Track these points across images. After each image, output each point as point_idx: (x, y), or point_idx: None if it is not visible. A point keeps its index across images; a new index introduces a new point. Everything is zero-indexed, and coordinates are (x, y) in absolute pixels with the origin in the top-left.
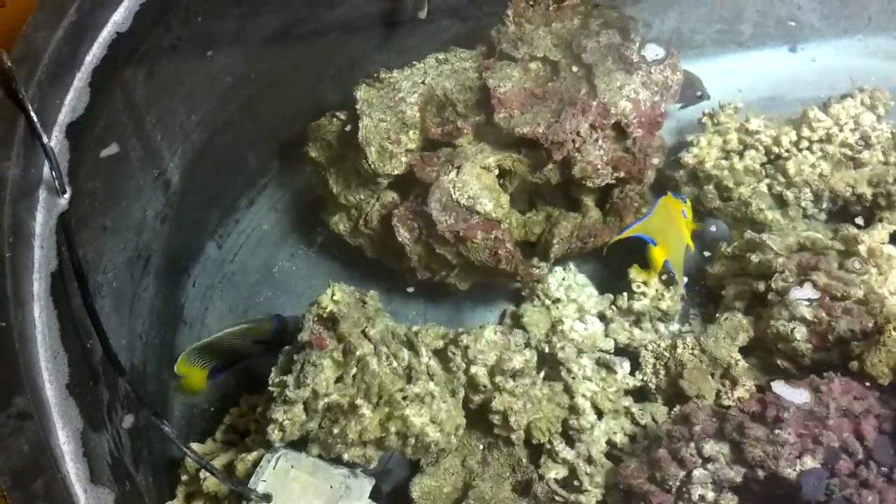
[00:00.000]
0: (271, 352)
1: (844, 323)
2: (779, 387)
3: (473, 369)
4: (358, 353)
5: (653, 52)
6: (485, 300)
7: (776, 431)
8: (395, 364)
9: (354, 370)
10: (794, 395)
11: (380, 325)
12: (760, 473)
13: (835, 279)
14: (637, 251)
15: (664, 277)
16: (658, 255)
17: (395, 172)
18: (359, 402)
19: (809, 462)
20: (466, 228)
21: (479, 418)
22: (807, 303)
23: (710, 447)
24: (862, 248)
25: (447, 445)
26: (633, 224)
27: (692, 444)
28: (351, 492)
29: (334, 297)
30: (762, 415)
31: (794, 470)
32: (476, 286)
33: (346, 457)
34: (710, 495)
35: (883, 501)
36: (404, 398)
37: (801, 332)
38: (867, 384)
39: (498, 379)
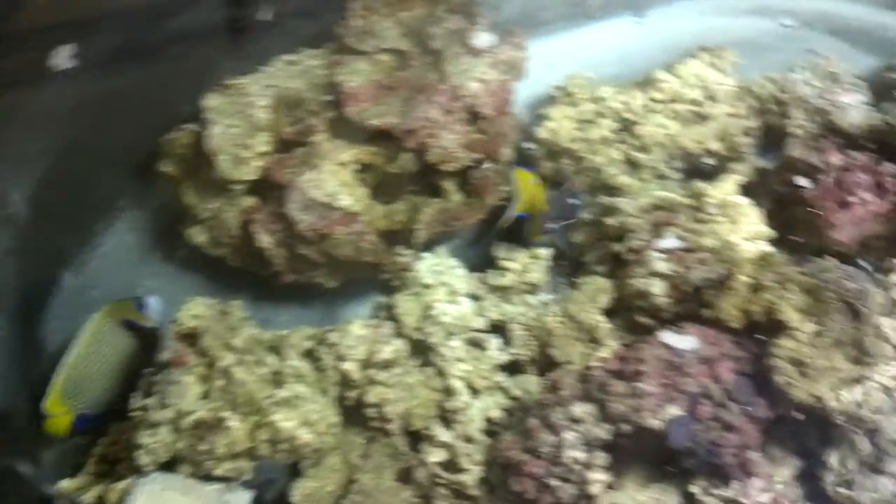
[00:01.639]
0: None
1: (698, 273)
2: (666, 336)
3: (344, 366)
4: (221, 364)
5: (484, 39)
6: (357, 295)
7: (636, 385)
8: (261, 371)
9: (220, 382)
10: (683, 341)
11: (243, 334)
12: (627, 428)
13: (688, 232)
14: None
15: (531, 251)
16: (535, 229)
17: (250, 178)
18: (224, 414)
19: (672, 411)
20: (326, 225)
21: (356, 413)
22: (665, 256)
23: (577, 409)
24: (711, 201)
25: (322, 445)
26: (509, 210)
27: (560, 409)
28: None
29: (193, 313)
30: (622, 371)
31: (659, 420)
32: (346, 282)
33: (218, 472)
34: (582, 456)
35: (745, 439)
36: (272, 404)
37: (658, 287)
38: (721, 330)
39: (370, 372)
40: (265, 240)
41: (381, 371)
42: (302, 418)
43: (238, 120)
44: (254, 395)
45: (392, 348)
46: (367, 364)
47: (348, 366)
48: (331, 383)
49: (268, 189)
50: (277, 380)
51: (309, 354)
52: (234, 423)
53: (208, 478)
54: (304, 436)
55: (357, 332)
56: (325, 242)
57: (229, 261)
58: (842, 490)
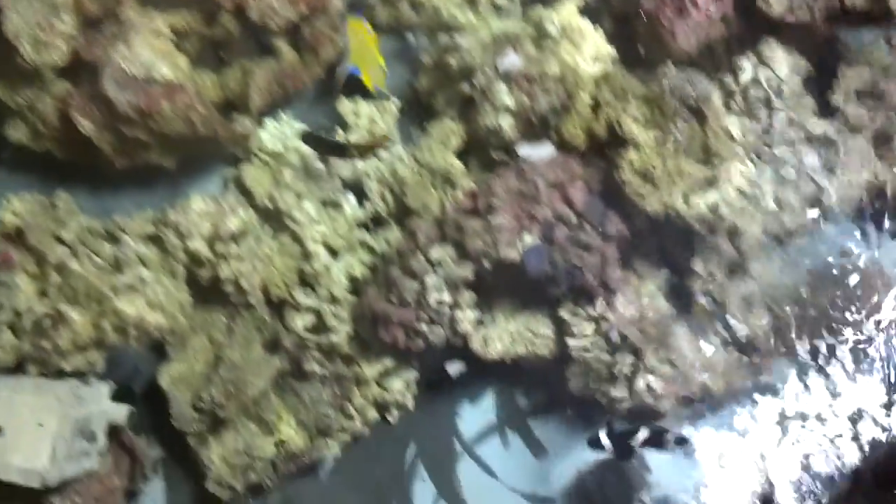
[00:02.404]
0: None
1: (544, 101)
2: (523, 149)
3: (191, 244)
4: (53, 259)
5: None
6: (202, 172)
7: (490, 219)
8: (98, 260)
9: (56, 278)
10: (540, 151)
11: (74, 225)
12: (487, 263)
13: (531, 62)
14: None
15: (377, 103)
16: (367, 81)
17: (58, 60)
18: (63, 308)
19: (528, 240)
20: (148, 101)
21: (213, 292)
22: (509, 88)
23: (435, 252)
24: (552, 28)
25: (176, 326)
26: (344, 66)
27: (420, 254)
28: (84, 400)
29: (14, 210)
30: (475, 208)
31: (516, 251)
32: (189, 160)
33: (67, 367)
34: (447, 297)
35: (603, 256)
36: (113, 291)
37: (506, 121)
38: (569, 153)
39: (219, 247)
40: (87, 126)
41: (231, 244)
42: (148, 301)
43: (36, 2)
44: (93, 286)
45: (238, 219)
46: (214, 239)
47: (195, 243)
48: (179, 264)
49: (81, 71)
50: (118, 267)
51: (152, 238)
52: (75, 315)
53: (60, 374)
54: (153, 318)
55: (199, 207)
56: (151, 120)
57: (57, 154)
58: (708, 296)
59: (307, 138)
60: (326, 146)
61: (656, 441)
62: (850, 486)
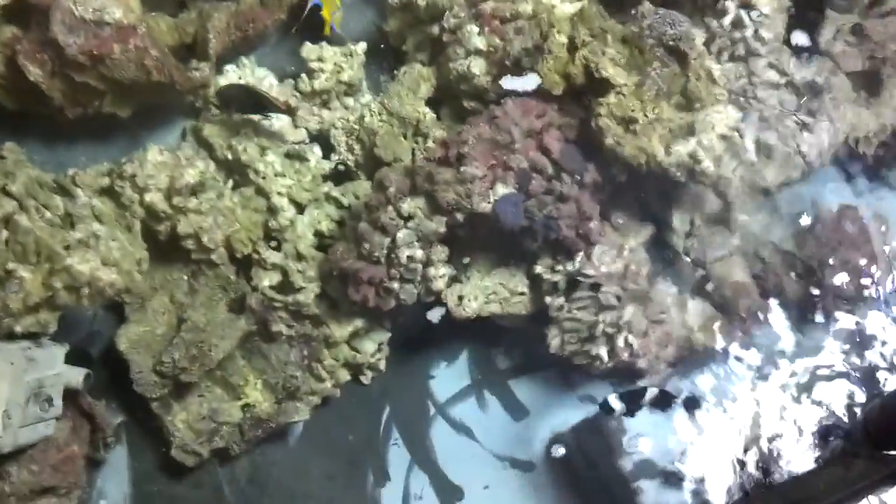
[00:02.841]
0: None
1: (517, 43)
2: (508, 82)
3: (148, 197)
4: (1, 213)
5: None
6: (160, 123)
7: (462, 169)
8: (48, 215)
9: (3, 234)
10: (525, 83)
11: (21, 178)
12: (460, 217)
13: (502, 2)
14: (308, 28)
15: (344, 48)
16: (326, 14)
17: (3, 1)
18: (11, 266)
19: (502, 190)
20: (99, 44)
21: (173, 248)
22: (478, 31)
23: (406, 205)
24: None
25: (132, 284)
26: None
27: (390, 208)
28: (37, 363)
29: None
30: (447, 157)
31: (489, 202)
32: (145, 110)
33: (18, 329)
34: (419, 253)
35: (581, 208)
36: (65, 248)
37: (478, 66)
38: (544, 99)
39: (177, 200)
40: (35, 72)
41: (190, 198)
42: (102, 258)
43: None
44: (43, 242)
45: (195, 171)
46: (172, 192)
47: (152, 196)
48: (136, 218)
49: (28, 14)
50: (70, 222)
51: (107, 192)
52: (25, 273)
53: (11, 336)
54: (108, 276)
55: (155, 158)
56: (103, 65)
57: (6, 104)
58: (690, 249)
59: (225, 93)
60: (246, 101)
61: (664, 402)
62: (844, 442)
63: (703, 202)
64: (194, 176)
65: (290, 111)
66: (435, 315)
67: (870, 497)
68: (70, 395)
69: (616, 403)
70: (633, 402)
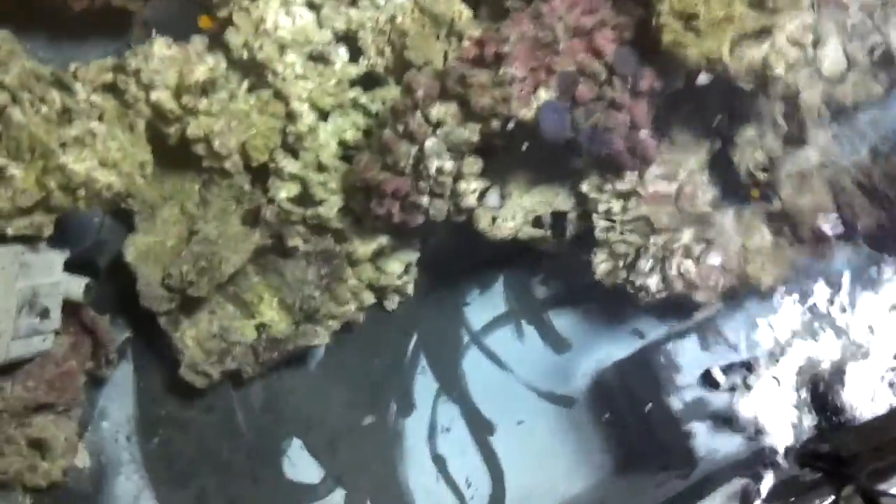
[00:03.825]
0: None
1: None
2: None
3: (154, 95)
4: None
5: None
6: (173, 16)
7: (500, 70)
8: (44, 110)
9: None
10: None
11: (15, 68)
12: (495, 124)
13: None
14: None
15: None
16: None
17: None
18: (2, 161)
19: (545, 96)
20: None
21: (184, 155)
22: None
23: (436, 110)
24: None
25: (133, 188)
26: None
27: (418, 114)
28: (31, 269)
29: None
30: (483, 57)
31: (530, 109)
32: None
33: (10, 231)
34: (449, 164)
35: (635, 119)
36: (60, 145)
37: None
38: None
39: (186, 100)
40: None
41: (200, 97)
42: (100, 159)
43: None
44: (37, 137)
45: (206, 67)
46: (180, 90)
47: (158, 94)
48: (140, 118)
49: None
50: (68, 119)
51: (111, 88)
52: (16, 171)
53: (2, 239)
54: (106, 178)
55: (161, 52)
56: None
57: None
58: (759, 171)
59: None
60: None
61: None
62: None
63: (774, 117)
64: (205, 73)
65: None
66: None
67: None
68: (71, 308)
69: (719, 375)
70: (737, 376)
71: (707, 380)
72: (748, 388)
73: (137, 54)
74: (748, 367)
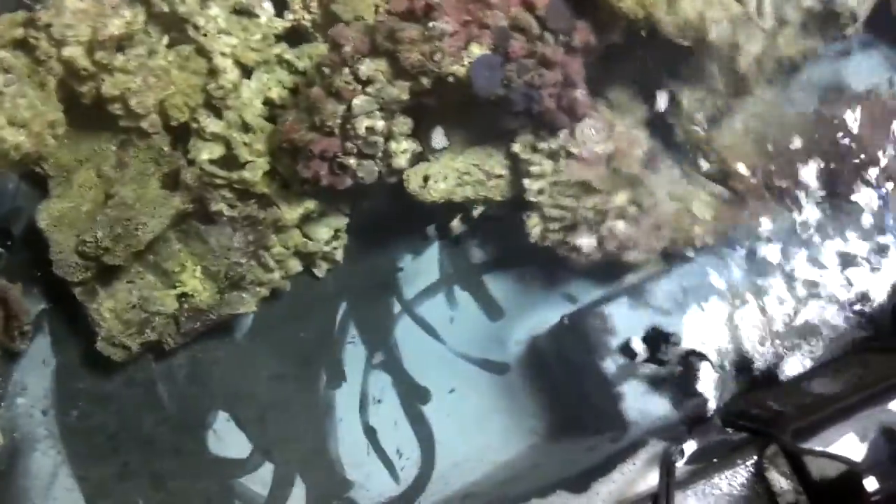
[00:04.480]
0: None
1: None
2: None
3: (66, 51)
4: None
5: None
6: None
7: (430, 24)
8: None
9: None
10: None
11: None
12: (426, 81)
13: None
14: None
15: None
16: None
17: None
18: None
19: (477, 52)
20: None
21: (100, 115)
22: None
23: (365, 67)
24: None
25: (43, 148)
26: None
27: (346, 70)
28: None
29: None
30: (413, 11)
31: (462, 65)
32: None
33: None
34: (380, 124)
35: (568, 75)
36: None
37: None
38: None
39: (100, 56)
40: None
41: (115, 54)
42: (7, 117)
43: None
44: None
45: (122, 21)
46: (94, 46)
47: (71, 51)
48: (51, 75)
49: None
50: None
51: (22, 44)
52: None
53: None
54: (13, 137)
55: (74, 5)
56: None
57: None
58: (695, 130)
59: None
60: None
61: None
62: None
63: (711, 74)
64: (120, 27)
65: None
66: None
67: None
68: None
69: (638, 345)
70: (658, 346)
71: (626, 350)
72: (664, 362)
73: (49, 8)
74: (667, 338)
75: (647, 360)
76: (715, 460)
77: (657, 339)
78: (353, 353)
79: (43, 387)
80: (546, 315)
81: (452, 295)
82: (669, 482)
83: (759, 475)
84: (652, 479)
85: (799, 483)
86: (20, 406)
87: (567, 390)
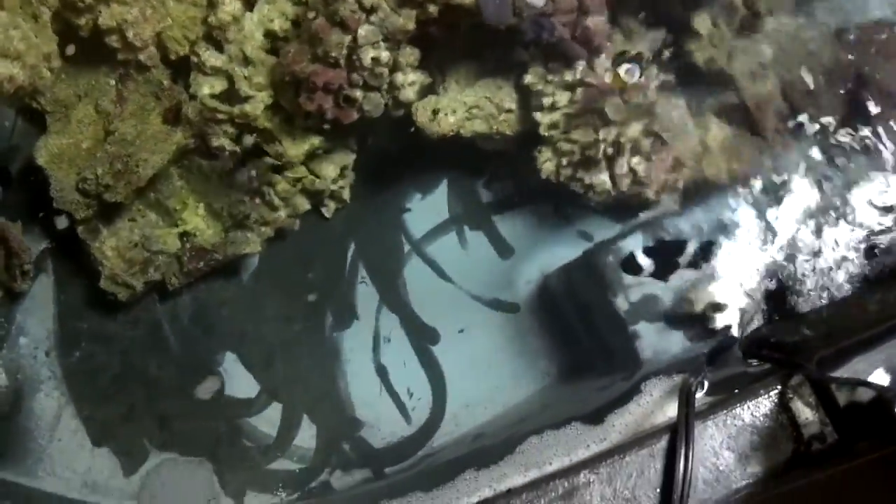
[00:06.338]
0: None
1: None
2: None
3: None
4: None
5: None
6: None
7: None
8: None
9: None
10: None
11: None
12: (433, 9)
13: None
14: None
15: None
16: None
17: None
18: None
19: None
20: None
21: (98, 48)
22: None
23: None
24: None
25: (39, 82)
26: None
27: None
28: None
29: None
30: None
31: None
32: None
33: None
34: (385, 55)
35: (582, 3)
36: None
37: None
38: None
39: None
40: None
41: None
42: (2, 49)
43: None
44: None
45: None
46: None
47: None
48: (45, 6)
49: None
50: None
51: None
52: None
53: None
54: (6, 69)
55: None
56: None
57: None
58: (714, 61)
59: None
60: None
61: (705, 256)
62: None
63: (728, 3)
64: None
65: None
66: None
67: None
68: None
69: (643, 260)
70: (666, 260)
71: (630, 265)
72: (693, 265)
73: None
74: (681, 248)
75: (652, 275)
76: (736, 391)
77: (668, 252)
78: (364, 295)
79: (45, 327)
80: (558, 253)
81: (462, 234)
82: (689, 412)
83: (782, 405)
84: (670, 412)
85: (825, 414)
86: (23, 347)
87: (579, 330)
